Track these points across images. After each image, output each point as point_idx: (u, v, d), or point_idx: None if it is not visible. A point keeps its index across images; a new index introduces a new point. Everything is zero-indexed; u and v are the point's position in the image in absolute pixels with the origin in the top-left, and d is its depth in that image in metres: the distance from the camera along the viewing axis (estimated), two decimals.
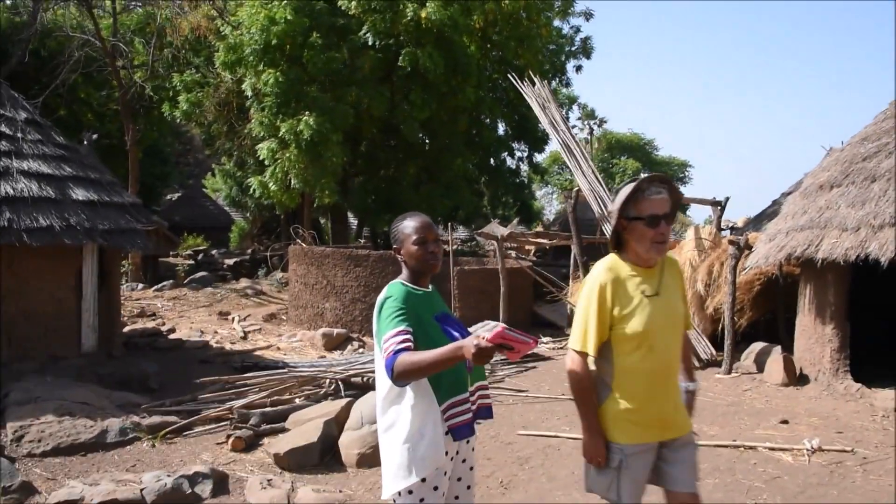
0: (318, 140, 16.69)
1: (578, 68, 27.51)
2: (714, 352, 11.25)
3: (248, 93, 17.99)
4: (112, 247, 9.56)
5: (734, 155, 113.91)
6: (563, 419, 7.98)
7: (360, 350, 12.36)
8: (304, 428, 6.81)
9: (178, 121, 22.35)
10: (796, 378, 9.75)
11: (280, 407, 7.79)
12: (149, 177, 33.37)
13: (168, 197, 39.66)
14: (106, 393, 8.00)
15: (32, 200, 8.61)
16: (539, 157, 30.15)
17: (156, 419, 7.39)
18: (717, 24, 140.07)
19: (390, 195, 21.27)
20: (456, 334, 3.13)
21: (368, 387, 8.30)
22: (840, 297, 9.16)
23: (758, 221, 22.11)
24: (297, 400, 8.15)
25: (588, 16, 27.91)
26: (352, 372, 8.51)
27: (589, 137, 47.26)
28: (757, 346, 10.95)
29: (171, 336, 12.81)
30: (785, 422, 7.86)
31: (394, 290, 3.12)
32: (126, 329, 13.23)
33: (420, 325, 3.04)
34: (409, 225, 3.24)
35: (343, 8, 18.20)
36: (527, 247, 18.98)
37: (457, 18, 18.07)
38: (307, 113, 16.72)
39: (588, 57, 27.44)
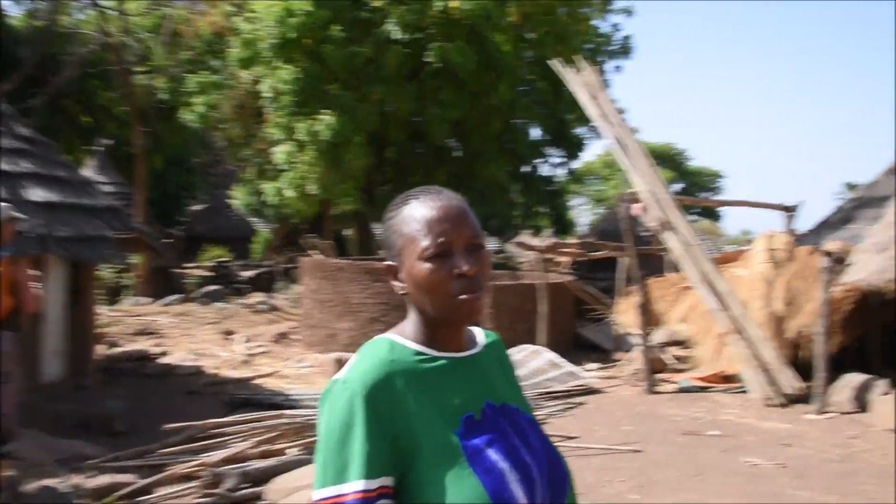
0: (337, 142, 15.29)
1: (618, 69, 25.96)
2: (800, 384, 9.45)
3: (266, 94, 16.62)
4: (72, 257, 8.00)
5: (766, 165, 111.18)
6: (628, 481, 6.28)
7: None
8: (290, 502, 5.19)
9: (195, 125, 21.09)
10: None
11: (267, 463, 6.17)
12: (172, 186, 32.45)
13: (193, 208, 38.79)
14: (49, 441, 6.43)
15: None
16: (576, 164, 28.87)
17: (105, 479, 5.80)
18: (752, 33, 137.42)
19: None
20: (506, 471, 1.48)
21: None
22: None
23: (819, 231, 20.22)
24: (292, 450, 6.55)
25: (629, 12, 26.21)
26: None
27: None
28: (852, 377, 9.16)
29: (163, 360, 11.27)
30: None
31: (362, 366, 1.48)
32: (117, 351, 11.78)
33: (426, 454, 1.44)
34: (413, 216, 1.55)
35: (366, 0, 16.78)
36: (557, 259, 17.31)
37: (490, 10, 16.55)
38: (326, 112, 15.30)
39: (628, 57, 25.89)
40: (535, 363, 10.76)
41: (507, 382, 1.68)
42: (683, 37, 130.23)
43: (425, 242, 1.51)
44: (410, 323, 1.60)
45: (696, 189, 51.55)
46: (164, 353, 11.94)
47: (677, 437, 7.97)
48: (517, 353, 10.67)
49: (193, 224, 33.89)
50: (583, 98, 11.90)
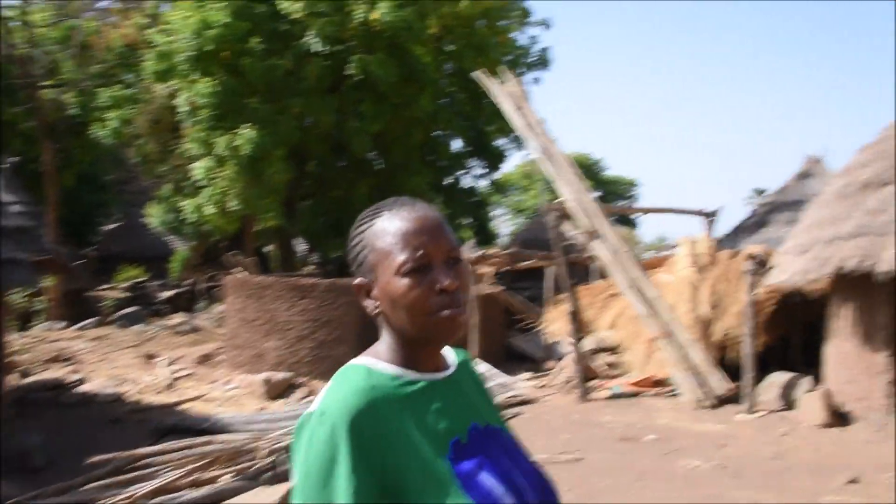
0: (258, 156, 14.95)
1: (536, 80, 26.33)
2: (729, 385, 9.61)
3: (182, 107, 16.15)
4: None
5: (677, 173, 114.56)
6: (573, 490, 6.23)
7: (308, 399, 10.45)
8: None
9: (108, 140, 20.32)
10: (838, 417, 8.15)
11: (200, 492, 5.89)
12: (85, 205, 31.28)
13: (107, 227, 37.51)
14: None
15: None
16: (496, 175, 29.12)
17: None
18: (663, 43, 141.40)
19: (341, 218, 19.73)
20: (491, 487, 1.37)
21: None
22: (894, 319, 7.60)
23: (735, 235, 20.79)
24: (225, 477, 6.27)
25: (546, 25, 26.54)
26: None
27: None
28: (778, 376, 9.37)
29: (81, 388, 10.73)
30: (854, 481, 6.23)
31: (340, 394, 1.36)
32: (30, 380, 11.17)
33: (417, 485, 1.32)
34: (388, 229, 1.44)
35: (286, 12, 16.46)
36: (481, 271, 17.31)
37: (411, 22, 16.46)
38: (246, 126, 14.94)
39: (546, 69, 26.24)
40: None
41: (486, 402, 1.59)
42: (597, 48, 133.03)
43: (402, 256, 1.40)
44: (385, 345, 1.49)
45: (612, 198, 52.48)
46: (81, 381, 11.35)
47: (615, 443, 7.99)
48: None
49: (107, 243, 32.81)
50: (507, 108, 11.93)
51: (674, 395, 10.11)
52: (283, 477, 6.24)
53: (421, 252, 1.40)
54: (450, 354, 1.58)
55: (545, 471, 1.51)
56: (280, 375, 11.16)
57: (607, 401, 10.28)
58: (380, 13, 15.78)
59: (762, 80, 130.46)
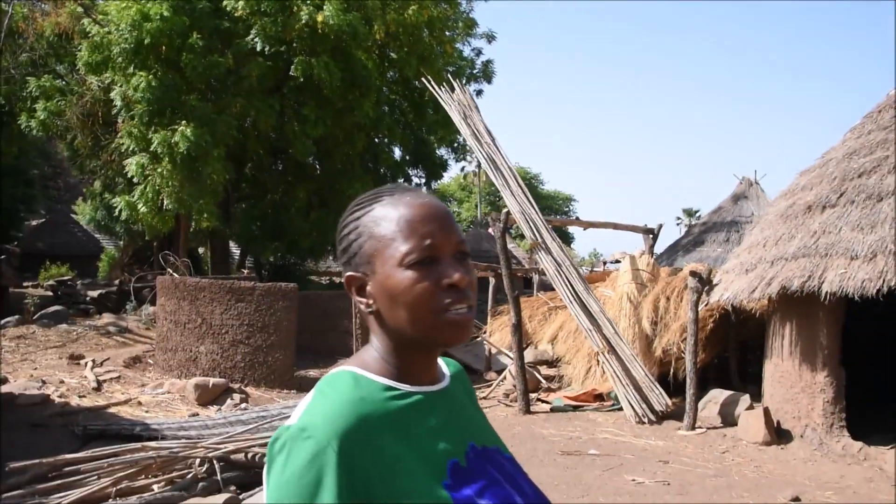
0: (196, 154, 14.52)
1: (479, 93, 26.34)
2: (669, 402, 9.65)
3: (117, 101, 15.60)
4: None
5: (611, 191, 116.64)
6: None
7: (243, 405, 10.10)
8: None
9: (35, 132, 19.47)
10: (777, 435, 8.23)
11: (129, 502, 5.57)
12: (9, 200, 30.11)
13: (31, 223, 36.20)
14: None
15: None
16: (435, 185, 29.13)
17: None
18: (602, 59, 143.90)
19: (277, 222, 19.48)
20: None
21: (254, 466, 6.20)
22: (834, 339, 7.75)
23: (671, 253, 21.15)
24: (155, 486, 5.96)
25: (490, 38, 26.64)
26: (231, 447, 6.34)
27: (477, 170, 47.11)
28: (718, 394, 9.45)
29: (1, 389, 10.14)
30: (797, 499, 6.26)
31: (325, 408, 1.17)
32: None
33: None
34: (390, 216, 1.26)
35: (229, 9, 16.08)
36: None
37: (356, 26, 16.27)
38: (184, 123, 14.51)
39: (489, 81, 26.34)
40: None
41: (481, 418, 1.43)
42: (537, 64, 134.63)
43: (407, 246, 1.22)
44: (375, 351, 1.30)
45: (549, 212, 53.08)
46: (1, 382, 10.79)
47: (559, 457, 7.90)
48: None
49: (32, 240, 31.88)
50: (455, 117, 11.82)
51: (615, 410, 10.10)
52: (219, 487, 5.96)
53: (429, 242, 1.23)
54: (442, 365, 1.42)
55: (545, 496, 1.36)
56: (213, 381, 10.77)
57: (548, 414, 10.21)
58: (325, 16, 15.55)
59: (695, 104, 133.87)
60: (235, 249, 26.89)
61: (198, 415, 9.60)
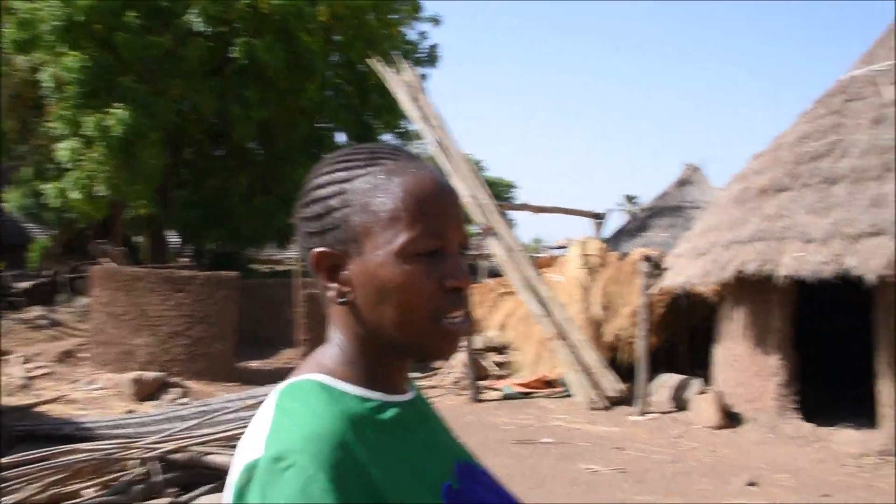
0: (131, 138, 13.97)
1: (424, 77, 26.04)
2: (621, 386, 9.56)
3: (47, 82, 14.90)
4: None
5: (552, 176, 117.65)
6: None
7: (182, 400, 9.69)
8: None
9: None
10: (729, 418, 8.20)
11: None
12: None
13: None
14: None
15: None
16: None
17: None
18: (546, 46, 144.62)
19: (217, 209, 18.89)
20: None
21: (196, 465, 5.86)
22: (786, 323, 7.74)
23: (617, 238, 21.15)
24: (89, 492, 5.58)
25: (436, 21, 26.35)
26: (170, 445, 5.98)
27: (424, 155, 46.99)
28: (668, 378, 9.39)
29: None
30: (753, 483, 6.19)
31: (300, 428, 0.88)
32: None
33: None
34: (392, 188, 0.97)
35: None
36: None
37: (301, 7, 15.83)
38: (118, 106, 13.92)
39: (434, 65, 26.07)
40: None
41: (447, 427, 1.17)
42: (481, 48, 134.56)
43: (413, 233, 0.95)
44: (339, 352, 1.03)
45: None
46: None
47: (512, 446, 7.73)
48: None
49: None
50: (403, 99, 11.53)
51: (566, 397, 9.98)
52: (158, 490, 5.61)
53: (439, 231, 0.97)
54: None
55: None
56: (151, 375, 10.32)
57: (499, 402, 10.04)
58: None
59: (638, 91, 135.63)
60: (175, 238, 26.21)
61: (134, 411, 9.16)
